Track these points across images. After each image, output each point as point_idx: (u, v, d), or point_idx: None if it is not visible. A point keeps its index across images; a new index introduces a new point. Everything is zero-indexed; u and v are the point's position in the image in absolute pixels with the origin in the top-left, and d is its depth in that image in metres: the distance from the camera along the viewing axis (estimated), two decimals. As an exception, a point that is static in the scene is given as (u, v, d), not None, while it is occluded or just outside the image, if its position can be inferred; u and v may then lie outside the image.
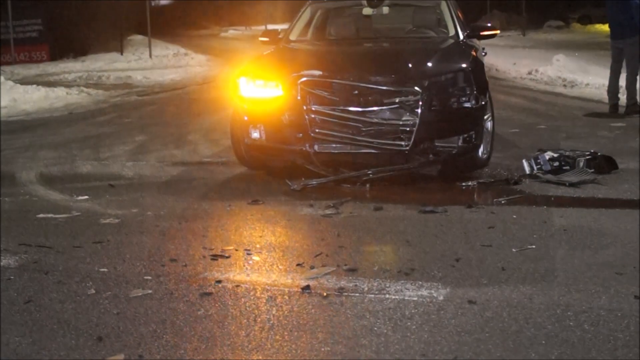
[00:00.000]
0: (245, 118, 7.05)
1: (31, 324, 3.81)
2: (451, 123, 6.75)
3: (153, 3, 36.14)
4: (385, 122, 6.68)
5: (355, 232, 5.32)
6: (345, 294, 4.11)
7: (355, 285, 4.24)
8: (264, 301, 4.03)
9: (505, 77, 17.32)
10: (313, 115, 6.73)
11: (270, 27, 23.61)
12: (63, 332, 3.69)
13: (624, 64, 11.37)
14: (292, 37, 8.39)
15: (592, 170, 6.90)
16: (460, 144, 6.75)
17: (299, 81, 6.78)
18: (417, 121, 6.58)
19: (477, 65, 7.07)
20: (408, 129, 6.61)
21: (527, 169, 7.02)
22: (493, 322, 3.68)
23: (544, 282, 4.24)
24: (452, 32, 8.07)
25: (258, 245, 5.05)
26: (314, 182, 6.70)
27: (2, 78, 16.65)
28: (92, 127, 11.36)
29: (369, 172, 6.73)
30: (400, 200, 6.21)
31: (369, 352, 3.39)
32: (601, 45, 22.07)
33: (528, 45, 26.68)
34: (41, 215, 6.03)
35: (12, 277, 4.53)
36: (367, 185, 6.68)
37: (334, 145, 6.76)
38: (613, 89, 11.42)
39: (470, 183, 6.74)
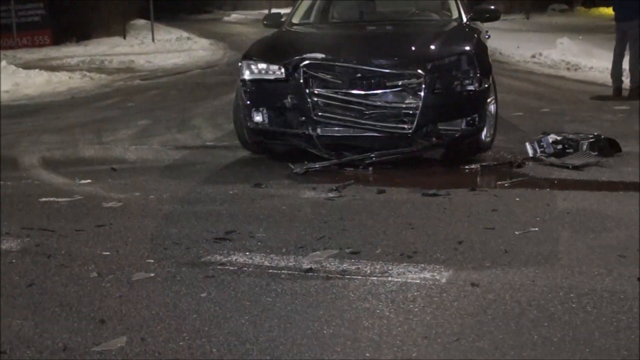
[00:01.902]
0: (248, 102, 7.03)
1: (33, 307, 3.81)
2: (454, 106, 6.73)
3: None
4: (388, 105, 6.67)
5: (358, 215, 5.31)
6: (348, 276, 4.11)
7: (358, 267, 4.24)
8: (267, 283, 4.03)
9: (508, 61, 17.27)
10: (316, 99, 6.71)
11: (274, 10, 23.53)
12: (65, 315, 3.69)
13: (628, 47, 11.32)
14: (295, 20, 8.35)
15: (596, 153, 6.88)
16: (463, 127, 6.73)
17: (302, 64, 6.75)
18: (420, 104, 6.56)
19: (481, 48, 7.05)
20: (411, 112, 6.59)
21: (530, 152, 7.00)
22: (496, 305, 3.67)
23: (547, 264, 4.23)
24: (455, 15, 8.04)
25: (261, 228, 5.04)
26: (317, 166, 6.69)
27: (5, 62, 16.65)
28: (94, 111, 11.35)
29: (372, 155, 6.72)
30: (403, 184, 6.19)
31: (371, 334, 3.39)
32: (605, 29, 21.98)
33: (532, 28, 26.57)
34: (44, 199, 6.03)
35: (14, 261, 4.53)
36: (370, 169, 6.68)
37: (336, 128, 6.75)
38: (617, 72, 11.38)
39: (473, 166, 6.74)
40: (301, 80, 6.73)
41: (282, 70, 6.86)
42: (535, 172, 6.52)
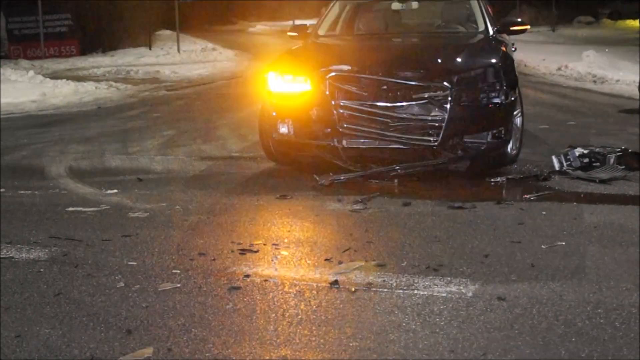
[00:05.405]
0: (274, 113, 7.05)
1: (61, 317, 3.84)
2: (480, 119, 6.71)
3: (181, -2, 36.24)
4: (413, 117, 6.66)
5: (384, 228, 5.30)
6: (374, 289, 4.11)
7: (384, 280, 4.23)
8: (292, 296, 4.04)
9: (534, 73, 17.20)
10: (341, 111, 6.72)
11: (299, 22, 23.58)
12: (93, 324, 3.72)
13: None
14: (321, 32, 8.38)
15: (623, 166, 6.83)
16: (489, 139, 6.70)
17: (328, 76, 6.76)
18: (446, 117, 6.55)
19: (507, 61, 7.02)
20: (437, 124, 6.58)
21: (556, 166, 6.97)
22: (522, 319, 3.65)
23: (574, 279, 4.20)
24: (481, 28, 8.02)
25: (286, 240, 5.05)
26: (342, 177, 6.69)
27: (32, 72, 16.80)
28: (120, 121, 11.42)
29: (397, 167, 6.71)
30: (428, 196, 6.18)
31: (398, 348, 3.38)
32: (632, 41, 21.89)
33: (558, 41, 26.48)
34: (71, 209, 6.07)
35: (42, 270, 4.57)
36: (395, 181, 6.66)
37: (362, 140, 6.75)
38: (644, 85, 11.30)
39: (499, 179, 6.71)
40: (327, 92, 6.74)
41: (308, 81, 6.88)
42: (562, 186, 6.48)
